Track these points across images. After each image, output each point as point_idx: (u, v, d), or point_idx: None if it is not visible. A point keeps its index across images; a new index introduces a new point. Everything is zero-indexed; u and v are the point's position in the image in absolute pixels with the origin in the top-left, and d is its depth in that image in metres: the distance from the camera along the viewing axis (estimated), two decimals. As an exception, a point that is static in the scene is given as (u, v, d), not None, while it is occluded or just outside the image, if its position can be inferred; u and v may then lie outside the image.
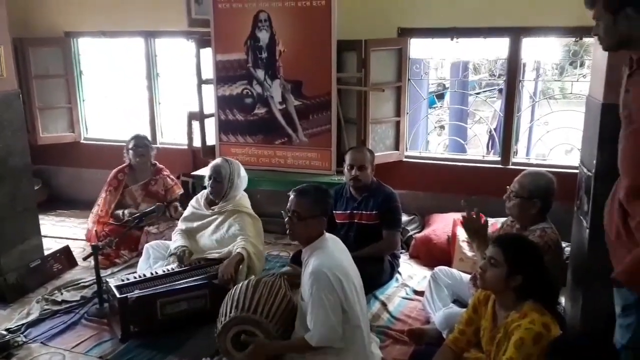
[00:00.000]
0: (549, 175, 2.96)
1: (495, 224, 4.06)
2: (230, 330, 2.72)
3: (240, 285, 2.94)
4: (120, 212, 4.59)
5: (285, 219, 2.69)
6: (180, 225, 3.86)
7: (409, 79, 4.75)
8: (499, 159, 4.60)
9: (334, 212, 3.82)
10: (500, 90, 7.95)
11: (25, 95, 5.44)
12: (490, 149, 6.70)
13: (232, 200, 3.75)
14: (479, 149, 5.67)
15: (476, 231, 2.88)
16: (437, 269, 3.48)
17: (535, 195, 2.89)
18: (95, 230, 4.28)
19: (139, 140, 4.66)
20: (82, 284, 3.94)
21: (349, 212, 3.83)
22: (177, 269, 3.51)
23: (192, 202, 3.92)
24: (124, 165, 4.71)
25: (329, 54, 4.35)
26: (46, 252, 4.20)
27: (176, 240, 3.74)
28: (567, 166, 4.29)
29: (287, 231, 2.71)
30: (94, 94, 5.95)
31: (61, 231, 5.04)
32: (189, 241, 3.75)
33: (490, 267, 2.32)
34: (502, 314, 2.37)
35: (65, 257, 4.25)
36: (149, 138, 5.51)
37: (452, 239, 4.07)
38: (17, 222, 3.88)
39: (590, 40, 3.28)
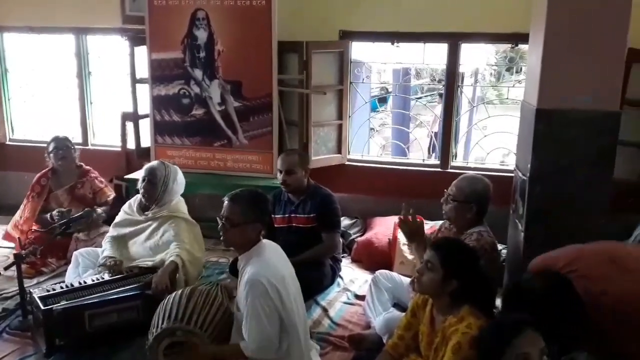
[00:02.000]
0: (486, 180, 2.99)
1: (434, 226, 4.10)
2: (162, 341, 2.59)
3: (173, 294, 2.81)
4: (47, 215, 4.32)
5: (219, 226, 2.59)
6: (111, 231, 3.67)
7: (350, 82, 4.73)
8: (439, 162, 4.64)
9: (273, 216, 3.77)
10: (440, 95, 8.10)
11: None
12: (431, 153, 6.79)
13: (167, 205, 3.60)
14: (420, 153, 5.72)
15: (413, 233, 2.87)
16: (377, 272, 3.47)
17: (472, 200, 2.91)
18: (19, 238, 4.02)
19: (59, 142, 4.38)
20: (4, 295, 3.69)
21: (287, 215, 3.77)
22: (107, 278, 3.33)
23: (125, 207, 3.74)
24: (47, 169, 4.43)
25: (270, 54, 4.27)
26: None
27: (105, 249, 3.55)
28: (503, 170, 4.39)
29: (221, 238, 2.61)
30: (21, 92, 5.61)
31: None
32: (119, 249, 3.57)
33: (427, 271, 2.30)
34: (439, 319, 2.35)
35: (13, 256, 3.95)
36: (80, 139, 5.31)
37: (393, 242, 4.07)
38: None
39: (526, 47, 3.36)
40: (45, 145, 4.51)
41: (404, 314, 3.06)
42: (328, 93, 4.54)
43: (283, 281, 2.55)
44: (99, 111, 5.43)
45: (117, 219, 3.71)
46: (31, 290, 3.35)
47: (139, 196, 3.66)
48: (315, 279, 3.63)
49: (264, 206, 2.64)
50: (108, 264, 3.42)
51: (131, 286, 3.26)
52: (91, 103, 5.34)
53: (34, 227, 4.33)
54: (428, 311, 2.42)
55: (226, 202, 2.60)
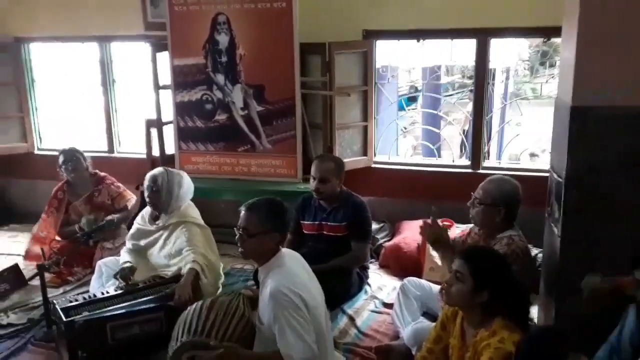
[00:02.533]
0: (514, 182, 2.83)
1: (465, 230, 3.94)
2: (182, 356, 2.51)
3: (193, 306, 2.73)
4: (74, 226, 4.32)
5: (236, 237, 2.50)
6: (127, 244, 3.64)
7: (375, 83, 4.61)
8: (469, 163, 4.47)
9: (302, 222, 3.67)
10: (472, 92, 7.89)
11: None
12: (463, 152, 6.61)
13: (176, 212, 3.54)
14: (453, 151, 5.53)
15: (437, 239, 2.74)
16: (406, 280, 3.33)
17: (500, 203, 2.76)
18: (42, 249, 4.03)
19: (66, 155, 4.36)
20: (30, 305, 3.69)
21: (317, 223, 3.65)
22: (129, 289, 3.29)
23: (138, 219, 3.70)
24: (62, 182, 4.43)
25: (292, 57, 4.18)
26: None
27: (122, 259, 3.52)
28: (538, 169, 4.19)
29: (239, 250, 2.52)
30: (48, 102, 5.66)
31: (13, 247, 4.76)
32: (137, 259, 3.53)
33: (456, 281, 2.17)
34: (470, 332, 2.22)
35: (13, 276, 3.97)
36: (106, 147, 5.32)
37: (422, 247, 3.92)
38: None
39: (560, 40, 3.19)
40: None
41: (434, 324, 2.94)
42: (352, 94, 4.42)
43: (307, 290, 2.45)
44: (124, 119, 5.43)
45: (132, 230, 3.68)
46: (55, 300, 3.34)
47: (149, 207, 3.62)
48: (342, 287, 3.51)
49: (282, 215, 2.54)
50: (122, 270, 3.38)
51: (154, 296, 3.21)
52: (116, 111, 5.34)
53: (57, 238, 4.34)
54: (458, 324, 2.29)
55: (243, 212, 2.51)
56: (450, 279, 2.20)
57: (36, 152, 5.58)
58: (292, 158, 4.35)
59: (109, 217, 4.17)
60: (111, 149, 5.37)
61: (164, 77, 4.63)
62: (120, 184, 4.50)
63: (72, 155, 4.34)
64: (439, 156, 5.22)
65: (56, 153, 5.39)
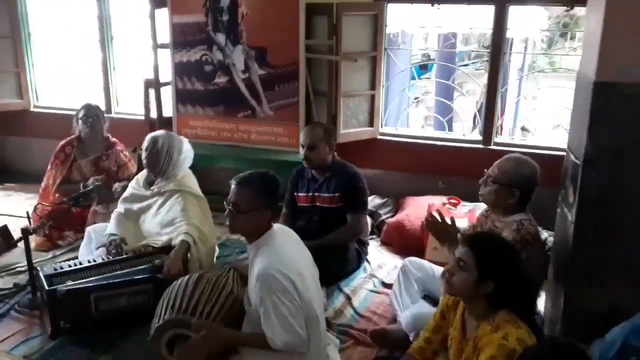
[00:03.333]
0: (533, 163, 2.62)
1: (474, 209, 3.76)
2: (165, 334, 2.39)
3: (179, 281, 2.59)
4: (77, 186, 4.15)
5: (225, 212, 2.33)
6: (119, 207, 3.46)
7: (385, 49, 4.35)
8: (481, 138, 4.24)
9: (295, 194, 3.51)
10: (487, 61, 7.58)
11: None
12: (476, 124, 6.37)
13: (172, 178, 3.36)
14: (465, 124, 5.29)
15: (443, 233, 2.56)
16: (407, 260, 3.15)
17: (516, 184, 2.55)
18: (27, 213, 3.88)
19: (89, 110, 4.18)
20: (17, 269, 3.56)
21: (310, 194, 3.48)
22: (117, 258, 3.14)
23: (132, 182, 3.53)
24: (73, 137, 4.25)
25: (297, 18, 3.94)
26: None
27: (110, 226, 3.37)
28: (554, 148, 3.96)
29: (228, 225, 2.36)
30: (45, 58, 5.45)
31: (7, 207, 4.62)
32: (127, 227, 3.38)
33: (459, 270, 1.98)
34: (472, 324, 2.05)
35: (2, 237, 3.85)
36: (103, 107, 5.11)
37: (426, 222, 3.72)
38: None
39: (583, 11, 2.92)
40: (71, 112, 4.34)
41: (434, 309, 2.78)
42: (360, 61, 4.17)
43: (297, 271, 2.29)
44: (122, 78, 5.22)
45: (125, 194, 3.51)
46: (39, 267, 3.22)
47: (145, 171, 3.45)
48: (338, 263, 3.36)
49: (274, 191, 2.36)
50: (109, 243, 3.23)
51: (143, 267, 3.07)
52: (114, 69, 5.13)
53: (54, 197, 4.18)
54: (459, 314, 2.12)
55: (233, 186, 2.33)
56: (453, 268, 2.01)
57: (32, 109, 5.40)
58: (294, 126, 4.14)
59: (115, 185, 4.03)
60: (108, 109, 5.17)
61: (163, 35, 4.41)
62: (127, 153, 4.32)
63: (94, 112, 4.16)
64: (451, 129, 4.99)
65: (52, 111, 5.29)
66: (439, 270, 3.03)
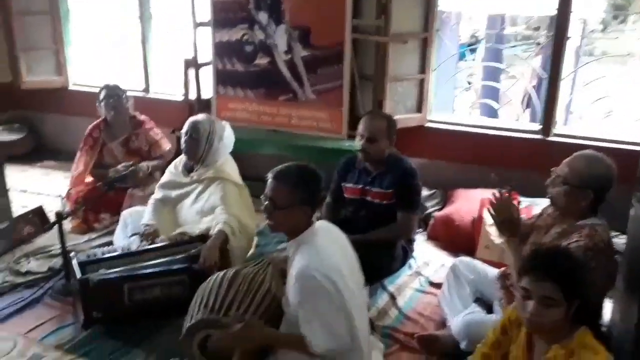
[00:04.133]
0: (607, 161, 2.33)
1: (530, 206, 3.49)
2: (197, 334, 2.24)
3: (214, 277, 2.44)
4: (108, 170, 4.05)
5: (262, 206, 2.15)
6: (157, 193, 3.34)
7: (437, 30, 4.06)
8: (539, 128, 3.93)
9: (343, 185, 3.30)
10: (538, 44, 7.17)
11: (6, 34, 4.94)
12: (525, 108, 6.03)
13: (212, 165, 3.21)
14: (512, 109, 4.98)
15: (507, 220, 2.31)
16: (457, 260, 2.92)
17: (589, 185, 2.28)
18: (69, 192, 3.78)
19: (109, 91, 4.02)
20: (52, 252, 3.48)
21: (360, 187, 3.24)
22: (152, 246, 3.02)
23: (170, 167, 3.40)
24: (99, 120, 4.11)
25: (343, -5, 3.70)
26: (25, 209, 3.77)
27: (146, 214, 3.25)
28: (623, 141, 3.64)
29: (266, 221, 2.18)
30: (83, 35, 5.35)
31: (45, 186, 4.57)
32: (164, 214, 3.26)
33: (546, 309, 1.69)
34: (541, 345, 1.81)
35: (38, 218, 3.77)
36: (142, 86, 5.01)
37: (478, 221, 3.47)
38: (-22, 181, 3.40)
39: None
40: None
41: (488, 317, 2.58)
42: (410, 42, 3.90)
43: (339, 271, 2.10)
44: (161, 57, 5.08)
45: (163, 179, 3.38)
46: (74, 252, 3.12)
47: (183, 156, 3.30)
48: (384, 261, 3.15)
49: (314, 186, 2.16)
50: (143, 232, 3.10)
51: (179, 257, 2.93)
52: (153, 48, 4.98)
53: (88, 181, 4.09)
54: (524, 332, 1.89)
55: (270, 180, 2.14)
56: (536, 310, 1.70)
57: (70, 87, 5.32)
58: (338, 111, 3.92)
59: (143, 164, 3.91)
60: (146, 89, 5.05)
61: (203, 13, 4.23)
62: (159, 130, 4.18)
63: (114, 92, 4.02)
64: (497, 114, 4.70)
65: (91, 89, 5.18)
66: (492, 271, 2.81)
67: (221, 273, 2.46)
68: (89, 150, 4.06)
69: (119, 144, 4.06)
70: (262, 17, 3.99)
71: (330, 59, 3.87)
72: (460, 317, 2.59)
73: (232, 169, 3.31)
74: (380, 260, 3.10)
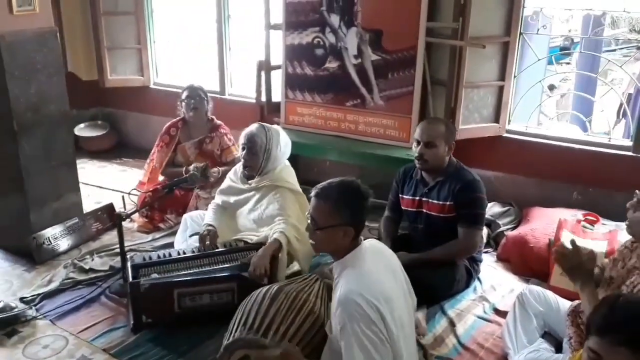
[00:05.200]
0: None
1: (615, 230, 3.14)
2: (234, 353, 2.15)
3: (258, 292, 2.35)
4: (181, 170, 4.11)
5: (305, 225, 2.04)
6: (217, 199, 3.32)
7: (520, 33, 3.75)
8: (631, 144, 3.53)
9: (401, 196, 3.12)
10: (639, 48, 6.56)
11: (94, 33, 5.15)
12: (619, 119, 5.50)
13: (270, 173, 3.14)
14: (607, 119, 4.52)
15: (575, 268, 2.05)
16: (526, 289, 2.65)
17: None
18: (122, 197, 3.85)
19: (192, 91, 4.06)
20: (115, 251, 3.53)
21: (417, 198, 3.04)
22: (207, 251, 2.99)
23: (230, 173, 3.36)
24: (177, 119, 4.17)
25: (419, -4, 3.50)
26: (98, 205, 3.93)
27: (207, 216, 3.23)
28: None
29: (310, 241, 2.06)
30: (165, 35, 5.47)
31: (119, 183, 4.71)
32: (223, 219, 3.22)
33: None
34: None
35: (108, 215, 3.88)
36: (217, 88, 5.04)
37: (555, 244, 3.16)
38: (52, 177, 3.51)
39: None
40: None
41: (554, 357, 2.31)
42: (489, 47, 3.61)
43: (387, 297, 1.95)
44: (237, 59, 5.09)
45: (223, 185, 3.35)
46: (135, 252, 3.17)
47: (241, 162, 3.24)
48: (444, 283, 2.92)
49: (358, 205, 2.02)
50: (204, 232, 3.08)
51: (231, 264, 2.89)
52: (230, 49, 5.00)
53: (160, 179, 4.16)
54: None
55: (312, 197, 2.02)
56: None
57: (152, 86, 5.47)
58: (406, 119, 3.73)
59: (215, 168, 3.93)
60: (222, 90, 5.08)
61: (277, 15, 4.18)
62: (232, 137, 4.18)
63: (197, 93, 4.06)
64: (586, 127, 4.28)
65: (171, 89, 5.31)
66: (565, 305, 2.53)
67: (264, 288, 2.37)
68: (164, 147, 4.13)
69: (193, 145, 4.09)
70: (334, 19, 3.87)
71: (402, 64, 3.68)
72: (524, 354, 2.34)
73: (289, 176, 3.22)
74: (440, 281, 2.89)
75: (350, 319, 1.88)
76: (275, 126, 3.26)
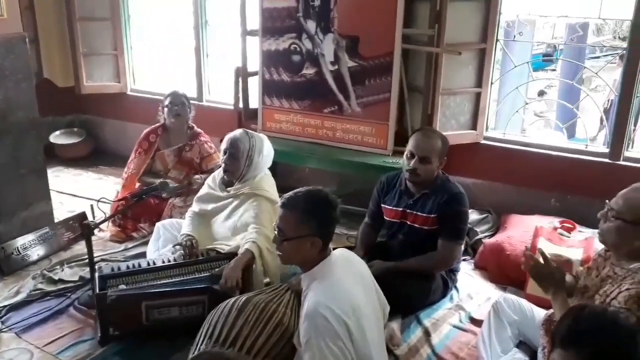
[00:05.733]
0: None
1: (591, 238, 3.12)
2: (200, 367, 2.08)
3: (225, 304, 2.29)
4: (154, 181, 4.03)
5: (272, 237, 1.99)
6: (194, 206, 3.25)
7: (497, 40, 3.74)
8: (607, 151, 3.53)
9: (382, 206, 3.06)
10: (621, 57, 6.59)
11: (70, 39, 5.08)
12: (603, 125, 5.52)
13: (250, 181, 3.07)
14: (589, 126, 4.52)
15: (546, 277, 2.02)
16: (501, 297, 2.61)
17: (645, 222, 1.96)
18: (91, 206, 3.78)
19: (175, 98, 4.01)
20: (86, 261, 3.44)
21: (400, 209, 2.98)
22: (176, 261, 2.92)
23: (209, 180, 3.29)
24: (157, 125, 4.11)
25: (394, 3, 3.48)
26: (72, 214, 3.86)
27: (185, 226, 3.16)
28: None
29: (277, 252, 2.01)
30: (142, 41, 5.41)
31: (94, 191, 4.62)
32: (199, 227, 3.15)
33: None
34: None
35: (79, 224, 3.78)
36: (195, 94, 4.98)
37: (531, 251, 3.12)
38: (20, 185, 3.44)
39: None
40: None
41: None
42: (465, 53, 3.60)
43: (355, 308, 1.91)
44: (215, 65, 5.04)
45: (200, 192, 3.28)
46: (106, 262, 3.09)
47: (222, 171, 3.18)
48: (420, 293, 2.87)
49: (325, 215, 1.96)
50: (184, 243, 3.01)
51: (201, 275, 2.82)
52: (207, 56, 4.95)
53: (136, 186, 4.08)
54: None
55: (278, 207, 1.97)
56: None
57: (129, 92, 5.39)
58: (384, 125, 3.69)
59: (197, 176, 3.88)
60: (200, 97, 5.03)
61: (254, 21, 4.14)
62: (212, 145, 4.12)
63: (180, 100, 4.00)
64: (573, 131, 4.28)
65: (148, 96, 5.24)
66: (540, 313, 2.49)
67: (232, 300, 2.31)
68: (143, 154, 4.06)
69: (172, 152, 4.03)
70: (311, 25, 3.83)
71: (379, 70, 3.65)
72: (497, 364, 2.30)
73: (269, 185, 3.15)
74: (416, 291, 2.84)
75: (316, 332, 1.83)
76: (259, 134, 3.20)
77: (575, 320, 1.42)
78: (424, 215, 2.90)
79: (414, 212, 2.94)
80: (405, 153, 2.94)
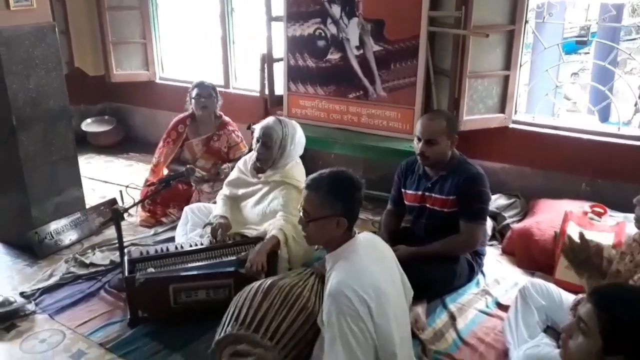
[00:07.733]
0: None
1: (623, 222, 3.05)
2: (225, 349, 2.12)
3: (250, 287, 2.31)
4: (183, 169, 4.09)
5: (298, 218, 2.00)
6: (225, 189, 3.28)
7: (526, 21, 3.66)
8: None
9: (403, 190, 3.05)
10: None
11: (99, 29, 5.16)
12: (637, 107, 5.35)
13: (281, 169, 3.08)
14: (623, 109, 4.39)
15: (582, 262, 1.98)
16: (529, 282, 2.58)
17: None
18: (120, 192, 3.84)
19: (202, 89, 4.04)
20: (116, 245, 3.52)
21: (419, 193, 2.97)
22: (206, 245, 2.96)
23: (240, 163, 3.31)
24: (186, 115, 4.15)
25: (420, -15, 3.43)
26: (103, 200, 3.95)
27: (217, 207, 3.19)
28: None
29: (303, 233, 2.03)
30: (170, 29, 5.46)
31: (124, 177, 4.71)
32: (231, 210, 3.18)
33: (578, 333, 1.44)
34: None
35: (110, 210, 3.85)
36: (221, 81, 5.01)
37: (561, 237, 3.08)
38: (52, 172, 3.52)
39: None
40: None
41: (554, 353, 2.23)
42: (493, 36, 3.53)
43: (378, 291, 1.90)
44: (241, 52, 5.05)
45: (231, 176, 3.30)
46: (134, 247, 3.15)
47: (253, 154, 3.19)
48: (445, 277, 2.83)
49: (349, 195, 1.97)
50: (215, 224, 3.03)
51: (227, 259, 2.85)
52: (233, 43, 4.97)
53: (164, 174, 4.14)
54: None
55: (303, 189, 1.98)
56: (570, 328, 1.47)
57: (158, 80, 5.46)
58: (410, 110, 3.66)
59: (225, 165, 3.93)
60: (227, 84, 5.06)
61: (278, 7, 4.13)
62: (240, 134, 4.15)
63: (208, 91, 4.03)
64: (607, 114, 4.16)
65: (176, 84, 5.29)
66: (568, 298, 2.45)
67: (257, 283, 2.33)
68: (171, 143, 4.11)
69: (200, 142, 4.07)
70: (335, 10, 3.81)
71: (404, 54, 3.62)
72: (523, 349, 2.27)
73: (299, 174, 3.15)
74: (441, 275, 2.81)
75: (338, 312, 1.84)
76: (292, 121, 3.19)
77: (605, 288, 1.49)
78: (443, 197, 2.88)
79: (433, 195, 2.92)
80: (414, 138, 2.93)
